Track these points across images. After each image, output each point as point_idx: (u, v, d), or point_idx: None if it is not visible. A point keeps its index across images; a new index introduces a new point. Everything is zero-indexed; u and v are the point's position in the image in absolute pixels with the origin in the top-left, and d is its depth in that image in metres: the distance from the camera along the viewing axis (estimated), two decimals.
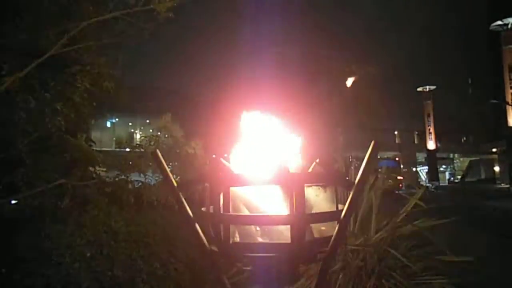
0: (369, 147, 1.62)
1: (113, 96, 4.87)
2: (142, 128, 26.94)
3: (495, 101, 22.86)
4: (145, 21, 3.68)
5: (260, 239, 1.56)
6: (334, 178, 1.78)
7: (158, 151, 1.82)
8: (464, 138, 39.79)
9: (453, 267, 2.86)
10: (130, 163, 6.03)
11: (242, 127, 1.88)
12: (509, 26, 22.48)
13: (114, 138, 26.59)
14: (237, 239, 1.58)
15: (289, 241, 1.48)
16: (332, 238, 1.56)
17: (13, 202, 4.19)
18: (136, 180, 6.07)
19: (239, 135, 1.87)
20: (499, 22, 22.79)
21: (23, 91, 3.49)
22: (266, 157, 1.74)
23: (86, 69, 4.01)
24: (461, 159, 40.56)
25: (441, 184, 34.66)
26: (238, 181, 1.65)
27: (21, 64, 3.19)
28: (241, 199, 1.62)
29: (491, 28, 23.52)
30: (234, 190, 1.61)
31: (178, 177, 6.40)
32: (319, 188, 1.71)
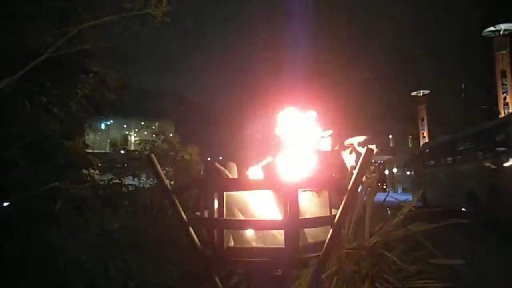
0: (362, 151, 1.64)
1: (110, 100, 4.89)
2: (137, 130, 26.85)
3: (484, 106, 23.13)
4: (141, 25, 3.71)
5: (254, 244, 1.57)
6: (328, 182, 1.79)
7: (152, 155, 1.83)
8: None
9: (447, 270, 2.89)
10: (125, 165, 6.04)
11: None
12: (501, 32, 22.73)
13: (109, 140, 26.47)
14: (231, 243, 1.59)
15: (282, 245, 1.50)
16: (326, 242, 1.58)
17: (5, 204, 4.16)
18: (130, 184, 6.07)
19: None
20: (492, 28, 23.04)
21: (18, 93, 3.48)
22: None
23: (83, 73, 4.03)
24: None
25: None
26: (233, 186, 1.66)
27: (17, 66, 3.19)
28: (235, 203, 1.63)
29: (483, 34, 23.77)
30: (229, 194, 1.62)
31: (173, 182, 6.41)
32: (313, 193, 1.72)
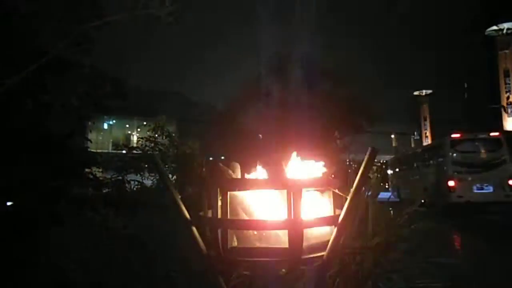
0: (366, 150, 1.63)
1: (111, 99, 4.90)
2: (139, 129, 26.90)
3: (495, 106, 23.18)
4: (145, 25, 3.71)
5: (258, 244, 1.57)
6: (331, 183, 1.79)
7: (156, 154, 1.84)
8: None
9: (450, 270, 2.88)
10: (128, 162, 6.05)
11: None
12: (504, 31, 22.65)
13: (111, 140, 26.53)
14: (235, 243, 1.59)
15: (286, 245, 1.49)
16: (329, 242, 1.58)
17: (8, 204, 4.16)
18: (133, 180, 6.08)
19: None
20: (494, 27, 22.96)
21: (22, 93, 3.49)
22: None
23: (85, 72, 4.03)
24: None
25: None
26: (236, 186, 1.66)
27: (20, 66, 3.20)
28: (239, 203, 1.63)
29: (486, 33, 23.68)
30: (233, 194, 1.62)
31: (174, 177, 6.42)
32: (317, 193, 1.72)
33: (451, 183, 11.06)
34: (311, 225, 1.61)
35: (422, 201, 11.72)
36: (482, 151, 11.50)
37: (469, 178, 11.00)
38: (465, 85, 32.04)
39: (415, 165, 15.43)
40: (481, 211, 11.09)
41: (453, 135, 11.97)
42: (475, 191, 10.88)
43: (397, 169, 18.80)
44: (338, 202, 1.73)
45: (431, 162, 13.45)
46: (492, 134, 12.05)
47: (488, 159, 11.28)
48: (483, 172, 11.04)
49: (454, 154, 11.55)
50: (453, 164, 11.39)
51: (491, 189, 10.85)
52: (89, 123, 5.58)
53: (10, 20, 3.26)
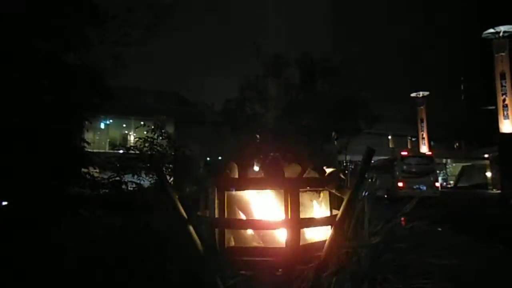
0: (363, 151, 1.65)
1: (109, 98, 4.88)
2: (136, 129, 26.81)
3: (490, 107, 23.75)
4: (145, 19, 3.70)
5: (255, 243, 1.58)
6: (328, 183, 1.80)
7: (155, 157, 1.83)
8: (457, 144, 40.09)
9: (448, 270, 2.88)
10: (124, 164, 6.01)
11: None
12: (501, 34, 22.81)
13: (108, 140, 26.41)
14: (232, 243, 1.59)
15: (283, 245, 1.50)
16: (326, 242, 1.58)
17: (4, 203, 4.14)
18: (130, 181, 6.04)
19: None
20: (491, 30, 23.12)
21: (21, 92, 3.48)
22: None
23: (84, 71, 4.02)
24: (454, 164, 40.77)
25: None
26: (234, 186, 1.67)
27: (20, 65, 3.19)
28: (236, 203, 1.63)
29: (483, 35, 23.84)
30: (230, 194, 1.62)
31: (172, 178, 6.38)
32: (313, 193, 1.73)
33: (400, 184, 17.27)
34: (308, 225, 1.62)
35: (385, 196, 16.87)
36: (420, 164, 18.05)
37: (410, 181, 17.19)
38: (462, 87, 32.22)
39: (382, 170, 21.07)
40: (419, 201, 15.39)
41: (402, 153, 19.13)
42: (415, 188, 16.85)
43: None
44: (335, 202, 1.74)
45: (390, 169, 19.27)
46: (427, 153, 19.60)
47: (423, 169, 17.73)
48: (420, 177, 17.37)
49: (404, 166, 17.93)
50: (402, 171, 17.74)
51: (424, 188, 17.11)
52: (86, 122, 5.55)
53: (5, 19, 3.25)
